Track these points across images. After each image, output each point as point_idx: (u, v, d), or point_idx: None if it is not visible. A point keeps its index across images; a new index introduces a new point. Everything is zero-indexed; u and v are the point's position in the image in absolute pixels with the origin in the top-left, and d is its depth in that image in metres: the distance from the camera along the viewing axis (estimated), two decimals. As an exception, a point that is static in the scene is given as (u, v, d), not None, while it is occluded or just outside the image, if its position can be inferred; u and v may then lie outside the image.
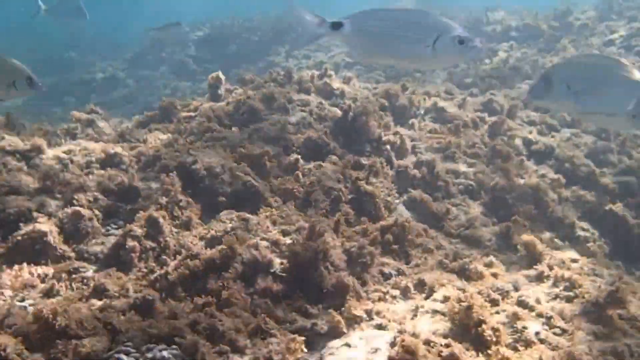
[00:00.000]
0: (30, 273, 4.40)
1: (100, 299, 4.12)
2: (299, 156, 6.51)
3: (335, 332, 4.03)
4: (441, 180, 7.10)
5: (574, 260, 5.70)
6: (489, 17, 18.88)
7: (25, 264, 4.44)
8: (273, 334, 3.90)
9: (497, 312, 4.52)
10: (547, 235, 6.57)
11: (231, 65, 17.44)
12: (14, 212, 4.94)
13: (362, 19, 4.52)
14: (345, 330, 4.05)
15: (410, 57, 4.57)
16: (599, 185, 7.86)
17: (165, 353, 3.44)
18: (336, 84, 8.76)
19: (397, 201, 6.56)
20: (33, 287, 4.29)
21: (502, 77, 12.47)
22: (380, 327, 4.14)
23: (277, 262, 4.52)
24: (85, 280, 4.46)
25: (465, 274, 5.17)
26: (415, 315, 4.44)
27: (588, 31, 15.49)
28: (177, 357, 3.45)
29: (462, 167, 7.59)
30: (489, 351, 3.94)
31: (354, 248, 4.96)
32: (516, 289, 4.97)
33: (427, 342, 3.89)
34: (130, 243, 4.73)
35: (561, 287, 5.02)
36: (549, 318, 4.49)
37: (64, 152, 6.42)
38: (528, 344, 4.19)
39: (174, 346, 3.50)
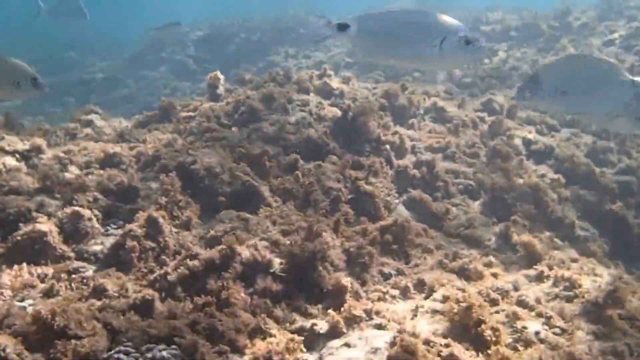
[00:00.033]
0: (30, 273, 4.40)
1: (99, 299, 4.11)
2: (299, 156, 6.51)
3: (334, 332, 4.03)
4: (441, 180, 7.10)
5: (574, 260, 5.70)
6: (489, 16, 18.87)
7: (25, 264, 4.44)
8: (273, 334, 3.90)
9: (497, 312, 4.52)
10: (546, 234, 6.57)
11: (231, 65, 17.45)
12: (13, 212, 4.93)
13: (368, 21, 4.52)
14: (344, 330, 4.05)
15: (416, 58, 4.57)
16: (598, 184, 7.86)
17: (164, 353, 3.44)
18: (335, 83, 8.76)
19: (397, 201, 6.56)
20: (33, 287, 4.28)
21: (502, 77, 12.47)
22: (379, 327, 4.14)
23: (277, 262, 4.52)
24: (85, 281, 4.45)
25: (465, 274, 5.16)
26: (415, 315, 4.44)
27: (588, 31, 15.48)
28: (176, 357, 3.45)
29: (462, 167, 7.59)
30: (489, 351, 3.94)
31: (353, 248, 4.96)
32: (516, 289, 4.97)
33: (427, 342, 3.89)
34: (130, 243, 4.72)
35: (561, 287, 5.02)
36: (549, 318, 4.49)
37: (64, 152, 6.42)
38: (528, 343, 4.19)
39: (173, 346, 3.50)
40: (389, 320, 4.23)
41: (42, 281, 4.36)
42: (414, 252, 5.50)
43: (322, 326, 4.05)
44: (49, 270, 4.47)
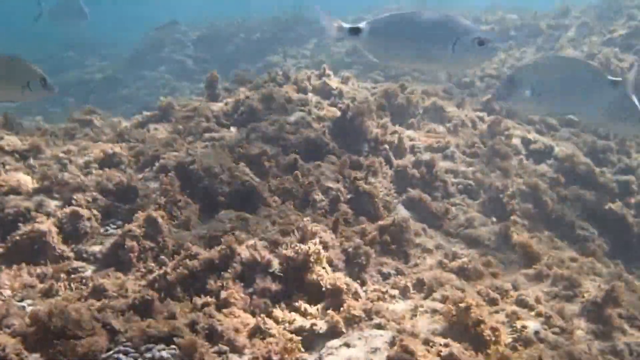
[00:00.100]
0: (29, 273, 4.40)
1: (99, 299, 4.11)
2: (298, 156, 6.51)
3: (334, 332, 4.03)
4: (440, 179, 7.10)
5: (573, 260, 5.70)
6: (488, 16, 18.88)
7: (24, 264, 4.44)
8: (272, 334, 3.90)
9: (497, 312, 4.52)
10: (546, 234, 6.57)
11: (230, 65, 17.45)
12: (12, 212, 4.93)
13: (380, 24, 4.51)
14: (344, 330, 4.05)
15: (429, 60, 4.57)
16: (598, 184, 7.86)
17: (164, 353, 3.44)
18: (335, 83, 8.75)
19: (396, 201, 6.56)
20: (32, 287, 4.28)
21: (501, 76, 12.46)
22: (379, 326, 4.13)
23: (276, 262, 4.51)
24: (84, 280, 4.45)
25: (464, 273, 5.16)
26: (415, 315, 4.44)
27: (587, 30, 15.48)
28: (176, 357, 3.45)
29: (461, 167, 7.59)
30: (488, 351, 3.94)
31: (351, 248, 4.95)
32: (515, 288, 4.97)
33: (426, 342, 3.89)
34: (129, 243, 4.72)
35: (560, 287, 5.02)
36: (549, 317, 4.49)
37: (63, 152, 6.43)
38: (527, 343, 4.19)
39: (172, 346, 3.50)
40: (388, 320, 4.22)
41: (42, 281, 4.36)
42: (413, 252, 5.51)
43: (321, 326, 4.05)
44: (48, 270, 4.47)
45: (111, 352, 3.44)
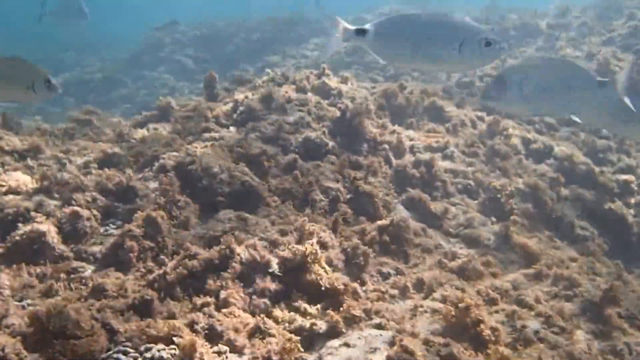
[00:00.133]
0: (29, 273, 4.40)
1: (98, 299, 4.10)
2: (297, 156, 6.50)
3: (334, 332, 4.02)
4: (439, 179, 7.09)
5: (573, 259, 5.70)
6: (487, 16, 18.88)
7: (23, 264, 4.43)
8: (272, 334, 3.90)
9: (496, 312, 4.52)
10: (546, 234, 6.57)
11: (230, 65, 17.47)
12: (12, 212, 4.93)
13: (387, 25, 4.50)
14: (344, 330, 4.04)
15: (436, 61, 4.55)
16: (598, 184, 7.86)
17: (163, 353, 3.44)
18: (334, 83, 8.74)
19: (396, 201, 6.55)
20: (32, 287, 4.27)
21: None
22: (379, 326, 4.13)
23: (275, 263, 4.51)
24: (83, 280, 4.45)
25: (464, 273, 5.16)
26: (414, 315, 4.44)
27: (587, 29, 15.48)
28: (175, 357, 3.45)
29: (461, 167, 7.59)
30: (488, 350, 3.93)
31: (349, 248, 4.95)
32: (515, 288, 4.96)
33: (426, 342, 3.89)
34: (129, 243, 4.71)
35: (560, 286, 5.02)
36: (548, 317, 4.49)
37: (62, 152, 6.42)
38: (527, 343, 4.19)
39: (172, 346, 3.50)
40: (388, 320, 4.22)
41: (41, 281, 4.36)
42: (413, 252, 5.51)
43: (321, 326, 4.05)
44: (48, 270, 4.46)
45: (111, 352, 3.44)
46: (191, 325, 3.76)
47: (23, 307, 3.95)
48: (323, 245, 4.72)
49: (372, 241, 5.33)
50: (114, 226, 5.20)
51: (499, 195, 6.80)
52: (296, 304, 4.26)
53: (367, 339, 3.87)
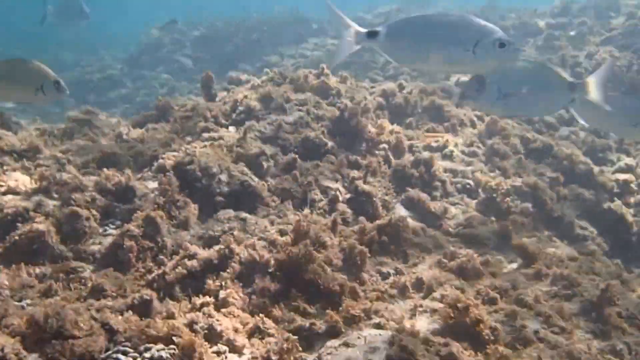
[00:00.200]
0: (28, 273, 4.39)
1: (98, 299, 4.10)
2: (297, 155, 6.50)
3: (333, 332, 4.02)
4: (439, 179, 7.09)
5: (573, 259, 5.69)
6: (487, 16, 18.87)
7: (22, 264, 4.43)
8: (271, 333, 3.89)
9: (496, 311, 4.51)
10: (545, 233, 6.57)
11: (229, 64, 17.46)
12: (11, 212, 4.92)
13: (399, 27, 4.46)
14: (343, 329, 4.04)
15: (450, 63, 4.50)
16: (597, 183, 7.86)
17: (163, 353, 3.43)
18: (333, 83, 8.74)
19: (395, 200, 6.55)
20: (31, 287, 4.27)
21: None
22: (378, 326, 4.13)
23: (274, 262, 4.51)
24: (83, 280, 4.44)
25: (463, 273, 5.15)
26: (414, 315, 4.43)
27: (586, 29, 15.47)
28: (175, 357, 3.44)
29: (460, 166, 7.59)
30: (488, 350, 3.93)
31: (347, 248, 4.94)
32: (514, 288, 4.96)
33: (426, 342, 3.88)
34: (128, 243, 4.71)
35: (560, 286, 5.01)
36: (548, 317, 4.48)
37: (61, 152, 6.42)
38: (527, 342, 4.19)
39: (172, 346, 3.49)
40: (387, 320, 4.22)
41: (40, 281, 4.35)
42: (413, 252, 5.50)
43: (320, 326, 4.05)
44: (47, 270, 4.46)
45: (110, 352, 3.43)
46: (190, 325, 3.75)
47: (22, 307, 3.95)
48: (322, 245, 4.71)
49: (372, 241, 5.32)
50: (113, 226, 5.19)
51: (494, 195, 6.79)
52: (296, 303, 4.25)
53: (367, 338, 3.87)
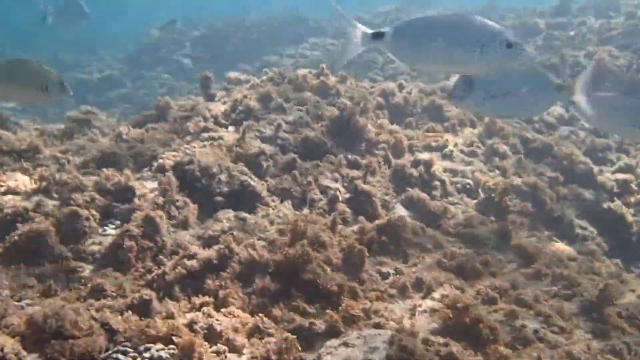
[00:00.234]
0: (28, 273, 4.39)
1: (97, 299, 4.11)
2: (296, 155, 6.50)
3: (333, 331, 4.02)
4: (438, 179, 7.08)
5: (573, 259, 5.69)
6: (487, 15, 18.86)
7: (22, 264, 4.43)
8: (271, 333, 3.89)
9: (495, 311, 4.51)
10: (545, 233, 6.57)
11: (228, 64, 17.43)
12: (11, 212, 4.92)
13: (405, 27, 4.43)
14: (343, 329, 4.04)
15: (456, 63, 4.47)
16: (597, 183, 7.86)
17: (162, 353, 3.43)
18: (332, 82, 8.73)
19: (395, 200, 6.55)
20: (31, 287, 4.27)
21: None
22: (378, 326, 4.13)
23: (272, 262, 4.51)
24: (82, 280, 4.44)
25: (463, 272, 5.15)
26: (414, 315, 4.43)
27: (586, 28, 15.48)
28: (174, 357, 3.44)
29: (460, 166, 7.58)
30: (487, 350, 3.93)
31: (346, 247, 4.94)
32: (514, 287, 4.96)
33: (425, 341, 3.88)
34: (128, 243, 4.71)
35: (559, 286, 5.01)
36: (548, 316, 4.48)
37: (61, 152, 6.41)
38: (526, 342, 4.18)
39: (171, 346, 3.49)
40: (387, 320, 4.22)
41: (40, 281, 4.35)
42: (412, 251, 5.50)
43: (320, 325, 4.05)
44: (47, 270, 4.46)
45: (110, 351, 3.43)
46: (190, 325, 3.75)
47: (22, 307, 3.95)
48: (321, 245, 4.71)
49: (372, 241, 5.32)
50: (113, 226, 5.19)
51: (492, 195, 6.78)
52: (295, 303, 4.25)
53: (367, 338, 3.87)
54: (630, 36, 13.72)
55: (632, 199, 7.73)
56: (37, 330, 3.40)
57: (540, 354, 4.01)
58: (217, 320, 3.85)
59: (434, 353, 3.75)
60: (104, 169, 5.77)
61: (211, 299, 4.13)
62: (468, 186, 7.22)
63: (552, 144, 8.52)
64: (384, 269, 5.10)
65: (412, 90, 9.58)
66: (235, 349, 3.73)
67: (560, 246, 6.15)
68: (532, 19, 17.34)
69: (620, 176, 8.07)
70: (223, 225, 5.19)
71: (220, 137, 6.75)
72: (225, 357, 3.64)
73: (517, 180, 7.28)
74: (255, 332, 3.90)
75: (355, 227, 5.51)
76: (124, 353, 3.42)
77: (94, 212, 5.18)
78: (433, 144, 7.97)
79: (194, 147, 6.33)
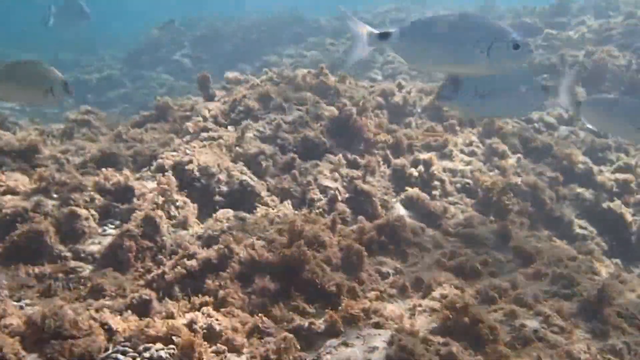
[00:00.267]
0: (27, 273, 4.39)
1: (97, 299, 4.10)
2: (296, 155, 6.50)
3: (332, 331, 4.02)
4: (438, 178, 7.08)
5: (572, 258, 5.69)
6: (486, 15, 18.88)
7: (22, 264, 4.43)
8: (270, 333, 3.89)
9: (495, 310, 4.51)
10: (545, 233, 6.56)
11: (228, 64, 17.43)
12: (10, 212, 4.92)
13: (412, 28, 4.41)
14: (342, 329, 4.04)
15: (463, 64, 4.44)
16: (597, 183, 7.86)
17: (162, 353, 3.43)
18: (332, 82, 8.73)
19: (394, 200, 6.55)
20: (30, 287, 4.27)
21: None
22: (377, 325, 4.13)
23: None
24: (82, 280, 4.44)
25: (462, 272, 5.15)
26: (413, 314, 4.43)
27: (585, 27, 15.48)
28: (174, 357, 3.44)
29: (459, 166, 7.58)
30: (487, 349, 3.93)
31: (344, 247, 4.93)
32: (514, 287, 4.95)
33: (425, 341, 3.88)
34: (127, 243, 4.71)
35: (559, 285, 5.01)
36: (547, 316, 4.48)
37: (60, 152, 6.41)
38: (526, 342, 4.18)
39: (171, 346, 3.49)
40: (387, 319, 4.21)
41: (40, 281, 4.35)
42: (412, 251, 5.49)
43: (320, 325, 4.04)
44: (46, 270, 4.46)
45: (109, 351, 3.43)
46: (190, 325, 3.75)
47: (21, 307, 3.95)
48: (321, 245, 4.71)
49: (371, 240, 5.32)
50: (112, 226, 5.19)
51: (490, 195, 6.78)
52: (295, 303, 4.25)
53: (366, 338, 3.86)
54: (629, 36, 13.72)
55: (632, 199, 7.73)
56: (37, 331, 3.40)
57: (540, 353, 4.01)
58: (217, 320, 3.85)
59: (434, 353, 3.75)
60: (104, 169, 5.77)
61: (211, 299, 4.12)
62: (468, 186, 7.22)
63: (551, 144, 8.52)
64: (384, 269, 5.09)
65: (411, 90, 9.58)
66: (235, 349, 3.73)
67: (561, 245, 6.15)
68: (531, 18, 17.33)
69: (620, 176, 8.07)
70: (222, 225, 5.18)
71: (220, 137, 6.76)
72: (225, 356, 3.64)
73: (513, 179, 7.28)
74: (255, 332, 3.90)
75: (354, 227, 5.51)
76: (124, 353, 3.42)
77: (93, 212, 5.18)
78: (433, 143, 7.96)
79: (194, 146, 6.34)
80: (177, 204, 5.38)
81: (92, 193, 5.36)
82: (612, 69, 11.73)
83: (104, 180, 5.51)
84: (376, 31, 4.42)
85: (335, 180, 6.22)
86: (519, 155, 8.15)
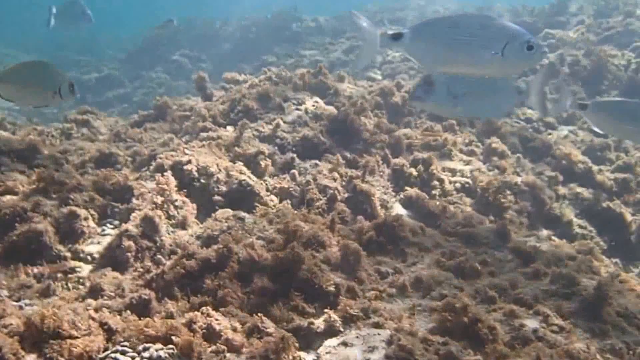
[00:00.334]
0: (26, 273, 4.39)
1: (96, 299, 4.10)
2: (295, 155, 6.50)
3: (332, 331, 4.02)
4: (437, 178, 7.08)
5: (572, 258, 5.69)
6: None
7: (21, 264, 4.42)
8: (269, 333, 3.89)
9: (494, 310, 4.51)
10: (544, 233, 6.56)
11: (227, 64, 17.44)
12: (9, 212, 4.91)
13: (424, 29, 4.38)
14: (341, 329, 4.04)
15: (477, 65, 4.41)
16: (596, 182, 7.86)
17: (161, 353, 3.43)
18: (331, 82, 8.73)
19: (394, 199, 6.55)
20: (29, 287, 4.27)
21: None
22: (377, 325, 4.12)
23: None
24: (81, 280, 4.44)
25: (462, 272, 5.15)
26: (413, 314, 4.42)
27: (585, 27, 15.47)
28: (173, 357, 3.44)
29: (459, 165, 7.58)
30: (486, 349, 3.93)
31: (343, 247, 4.93)
32: (513, 287, 4.95)
33: (424, 341, 3.88)
34: (126, 242, 4.71)
35: (559, 285, 5.01)
36: (547, 316, 4.47)
37: (60, 152, 6.41)
38: (525, 342, 4.18)
39: (170, 346, 3.49)
40: (386, 319, 4.21)
41: (39, 281, 4.35)
42: (411, 251, 5.49)
43: (319, 325, 4.04)
44: (45, 270, 4.46)
45: (109, 351, 3.43)
46: (189, 325, 3.74)
47: (20, 307, 3.95)
48: (320, 244, 4.71)
49: (370, 240, 5.32)
50: (112, 226, 5.19)
51: (486, 195, 6.78)
52: (294, 302, 4.24)
53: (365, 338, 3.86)
54: (629, 35, 13.72)
55: (631, 198, 7.73)
56: (36, 331, 3.39)
57: (539, 353, 4.00)
58: (216, 319, 3.84)
59: (433, 352, 3.75)
60: (103, 169, 5.77)
61: (210, 299, 4.12)
62: (467, 185, 7.21)
63: (551, 143, 8.52)
64: (383, 268, 5.09)
65: (410, 90, 9.56)
66: (234, 349, 3.72)
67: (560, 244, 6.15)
68: (530, 18, 17.33)
69: (620, 175, 8.07)
70: (222, 225, 5.18)
71: (219, 137, 6.76)
72: (224, 356, 3.64)
73: (509, 178, 7.27)
74: (254, 332, 3.89)
75: (354, 227, 5.51)
76: (123, 353, 3.42)
77: (92, 212, 5.18)
78: (432, 143, 7.96)
79: (193, 146, 6.34)
80: (176, 203, 5.38)
81: (91, 193, 5.36)
82: (611, 68, 11.73)
83: (103, 180, 5.51)
84: (389, 32, 4.39)
85: (335, 179, 6.22)
86: (518, 154, 8.15)
